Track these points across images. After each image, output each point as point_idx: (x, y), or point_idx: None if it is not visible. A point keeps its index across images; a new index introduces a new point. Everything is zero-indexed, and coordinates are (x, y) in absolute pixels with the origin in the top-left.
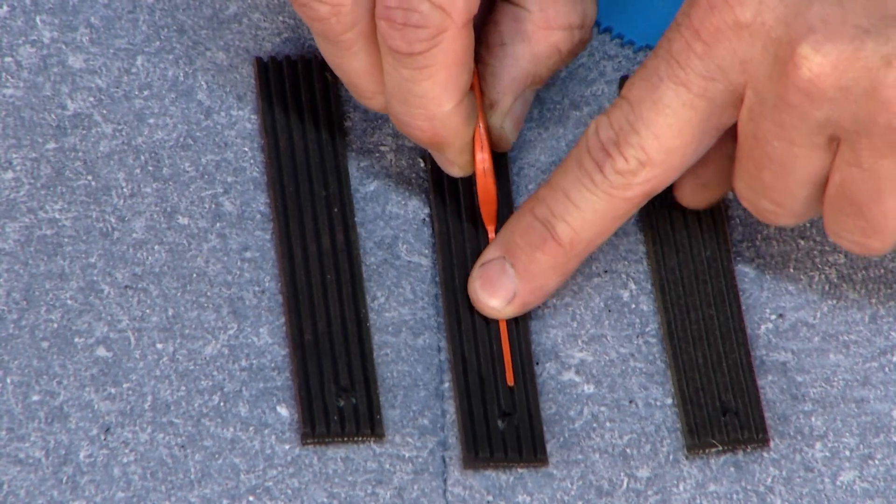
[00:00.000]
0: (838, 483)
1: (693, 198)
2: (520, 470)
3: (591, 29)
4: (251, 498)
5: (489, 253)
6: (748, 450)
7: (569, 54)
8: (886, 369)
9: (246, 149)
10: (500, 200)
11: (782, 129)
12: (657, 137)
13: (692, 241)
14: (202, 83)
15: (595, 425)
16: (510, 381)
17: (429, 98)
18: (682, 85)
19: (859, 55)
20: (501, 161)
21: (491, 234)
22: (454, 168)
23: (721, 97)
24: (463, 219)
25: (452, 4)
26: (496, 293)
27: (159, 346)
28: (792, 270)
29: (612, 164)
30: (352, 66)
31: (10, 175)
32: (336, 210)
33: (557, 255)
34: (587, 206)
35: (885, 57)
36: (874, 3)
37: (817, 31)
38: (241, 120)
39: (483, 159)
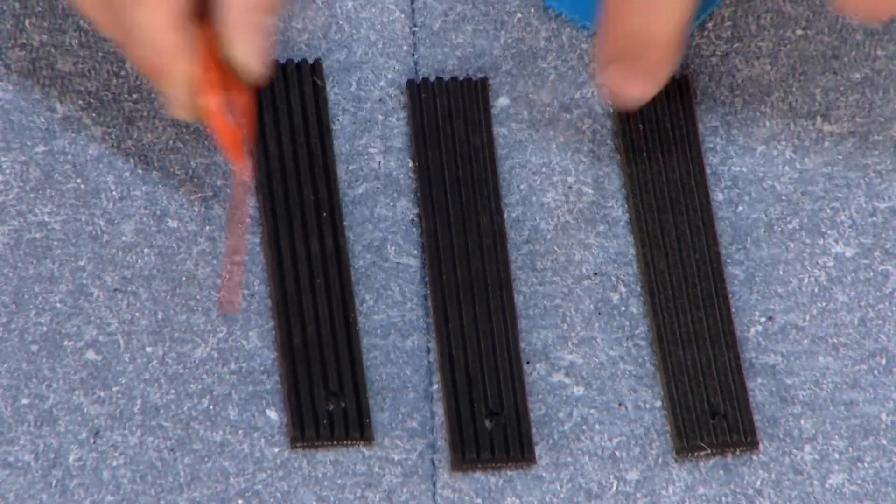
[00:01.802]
0: (827, 486)
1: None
2: (509, 472)
3: None
4: (240, 501)
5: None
6: (737, 452)
7: None
8: (875, 372)
9: None
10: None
11: None
12: None
13: (682, 244)
14: None
15: (584, 427)
16: (229, 309)
17: (145, 7)
18: None
19: None
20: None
21: (240, 173)
22: (179, 108)
23: None
24: (452, 218)
25: None
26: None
27: (149, 349)
28: (781, 273)
29: None
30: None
31: None
32: (325, 214)
33: None
34: None
35: None
36: None
37: None
38: None
39: (208, 100)
